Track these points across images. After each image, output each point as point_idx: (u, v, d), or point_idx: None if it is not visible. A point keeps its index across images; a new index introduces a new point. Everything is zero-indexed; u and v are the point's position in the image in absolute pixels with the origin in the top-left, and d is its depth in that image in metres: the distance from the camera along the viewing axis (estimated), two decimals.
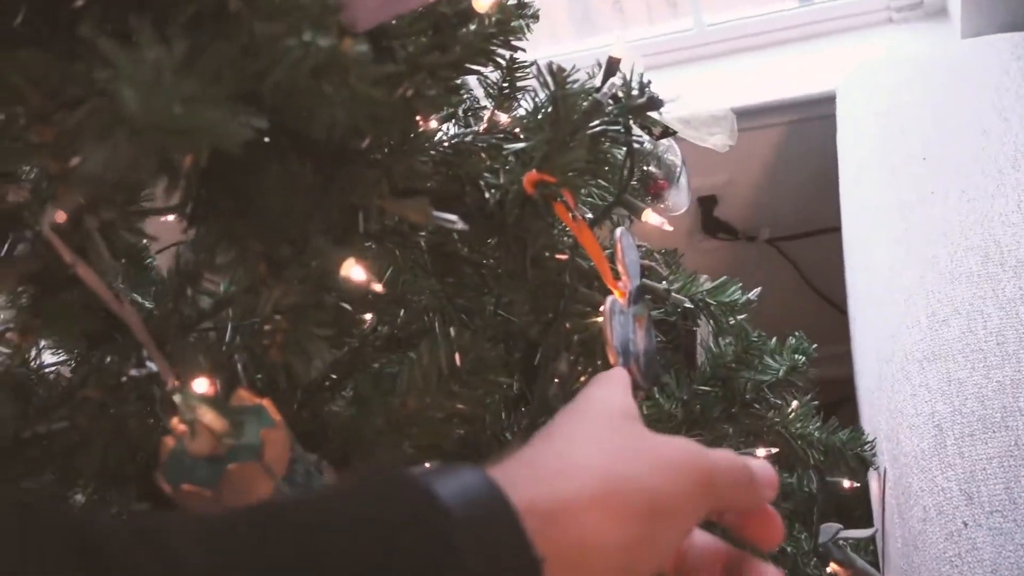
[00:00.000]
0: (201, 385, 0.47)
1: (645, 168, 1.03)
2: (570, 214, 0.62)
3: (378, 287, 0.47)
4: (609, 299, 0.64)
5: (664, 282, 0.85)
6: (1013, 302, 0.89)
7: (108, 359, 0.51)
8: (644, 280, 0.73)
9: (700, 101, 1.14)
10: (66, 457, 0.44)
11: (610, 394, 0.42)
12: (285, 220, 0.47)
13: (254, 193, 0.46)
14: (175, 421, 0.46)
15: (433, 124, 0.71)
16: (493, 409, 0.71)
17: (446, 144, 0.66)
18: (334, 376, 0.66)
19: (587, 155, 0.62)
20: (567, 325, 0.66)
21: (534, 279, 0.66)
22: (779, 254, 1.73)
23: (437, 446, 0.59)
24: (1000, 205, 1.02)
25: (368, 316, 0.63)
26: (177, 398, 0.46)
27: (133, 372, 0.50)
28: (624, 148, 0.69)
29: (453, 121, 0.86)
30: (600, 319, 0.63)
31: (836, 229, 1.36)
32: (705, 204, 1.69)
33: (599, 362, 0.65)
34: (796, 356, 0.83)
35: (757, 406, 0.80)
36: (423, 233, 0.69)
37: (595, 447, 0.36)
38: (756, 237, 1.71)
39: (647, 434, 0.38)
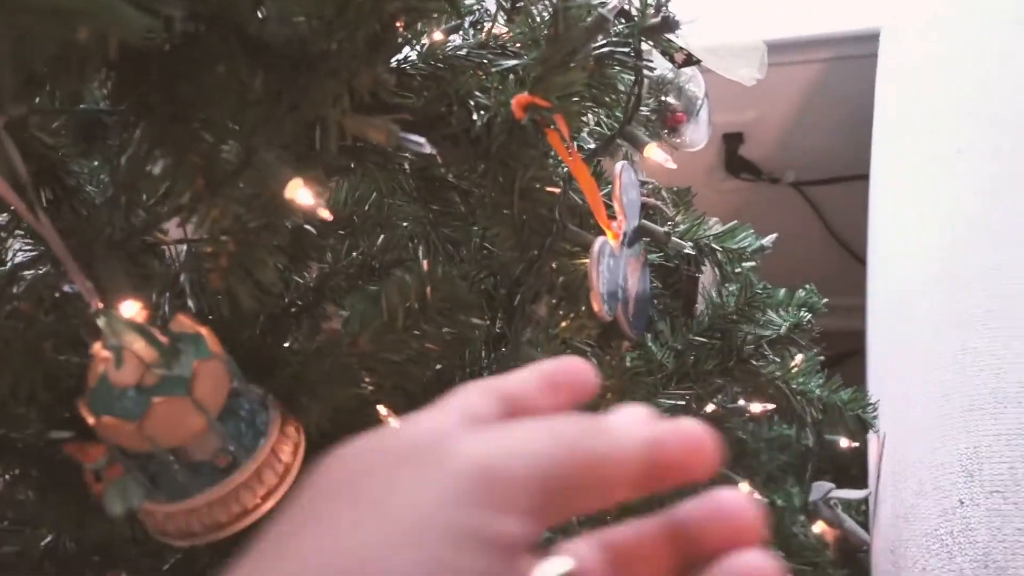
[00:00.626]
0: (130, 308, 0.42)
1: (664, 98, 0.96)
2: (564, 144, 0.56)
3: (326, 213, 0.42)
4: (599, 240, 0.58)
5: (671, 223, 0.79)
6: None
7: (44, 269, 0.47)
8: (643, 221, 0.68)
9: (730, 30, 1.06)
10: None
11: (422, 424, 0.25)
12: (229, 130, 0.41)
13: (195, 97, 0.41)
14: (98, 347, 0.42)
15: (438, 36, 0.65)
16: (474, 347, 0.67)
17: (437, 58, 0.60)
18: (300, 303, 0.62)
19: (587, 79, 0.56)
20: (552, 265, 0.61)
21: (521, 212, 0.60)
22: (802, 198, 1.65)
23: (401, 387, 0.55)
24: None
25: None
26: (101, 321, 0.41)
27: (67, 288, 0.46)
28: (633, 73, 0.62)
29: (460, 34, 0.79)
30: (581, 271, 0.58)
31: (865, 177, 1.29)
32: (730, 142, 1.61)
33: (583, 307, 0.60)
34: (802, 312, 0.77)
35: (755, 362, 0.75)
36: (407, 154, 0.64)
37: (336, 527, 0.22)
38: (780, 179, 1.63)
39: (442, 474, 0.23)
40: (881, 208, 1.16)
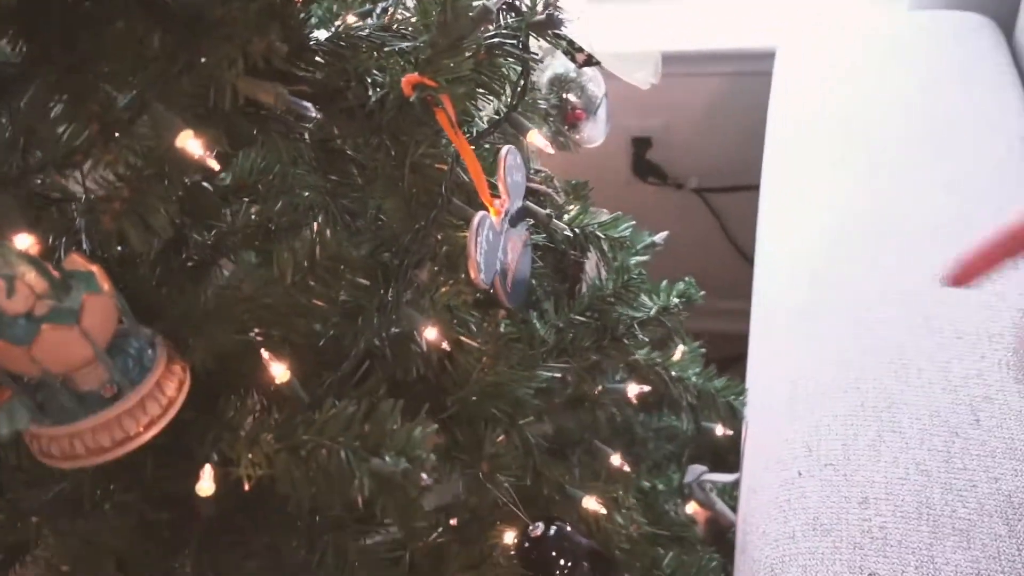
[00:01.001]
0: (24, 241, 0.45)
1: (565, 96, 1.02)
2: (451, 124, 0.61)
3: (214, 164, 0.46)
4: (479, 214, 0.64)
5: (560, 210, 0.85)
6: (889, 273, 0.92)
7: None
8: (527, 203, 0.73)
9: (635, 38, 1.13)
10: None
11: None
12: (126, 83, 0.45)
13: (94, 50, 0.44)
14: None
15: (352, 19, 0.69)
16: (367, 314, 0.71)
17: (339, 36, 0.64)
18: (196, 258, 0.65)
19: (475, 65, 0.61)
20: (437, 236, 0.66)
21: (411, 185, 0.65)
22: (704, 204, 1.75)
23: (288, 339, 0.59)
24: (900, 179, 1.04)
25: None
26: None
27: None
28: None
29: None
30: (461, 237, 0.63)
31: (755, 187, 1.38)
32: (639, 146, 1.69)
33: (462, 275, 0.65)
34: (672, 298, 0.84)
35: (627, 341, 0.81)
36: (308, 125, 0.68)
37: None
38: (684, 185, 1.72)
39: None
40: (767, 217, 1.25)
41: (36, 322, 0.46)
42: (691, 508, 1.18)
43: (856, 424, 0.77)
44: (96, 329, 0.47)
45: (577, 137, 1.04)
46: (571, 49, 0.92)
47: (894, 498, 0.72)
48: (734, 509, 1.18)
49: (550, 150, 0.69)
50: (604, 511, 0.79)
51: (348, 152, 0.70)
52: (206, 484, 0.51)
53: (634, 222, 0.89)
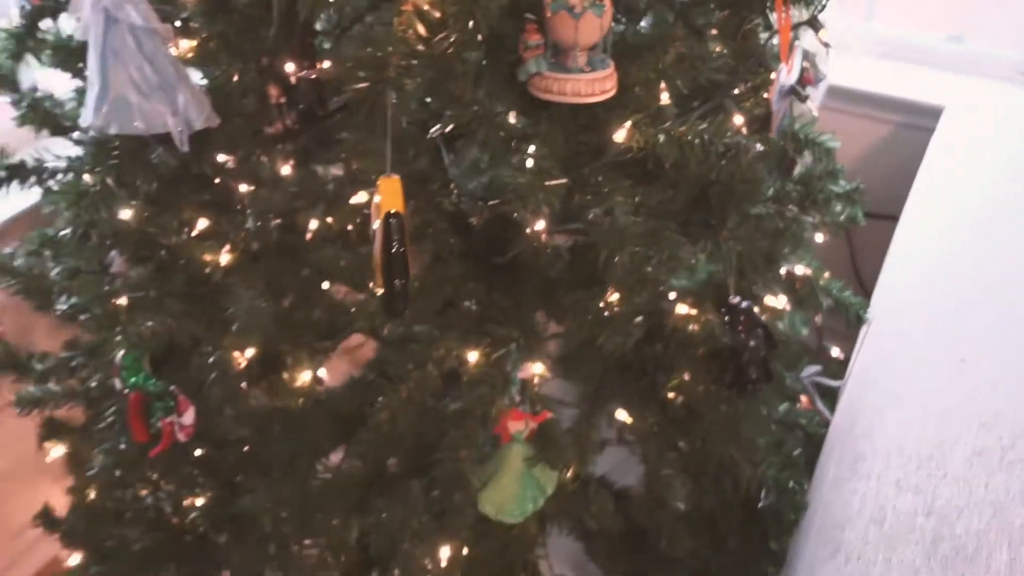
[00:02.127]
0: None
1: (805, 62, 1.41)
2: (783, 6, 1.01)
3: None
4: (782, 66, 1.03)
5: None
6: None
7: None
8: (794, 84, 1.12)
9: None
10: None
11: None
12: None
13: None
14: None
15: None
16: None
17: None
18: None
19: None
20: (747, 74, 1.05)
21: (738, 44, 1.05)
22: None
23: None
24: None
25: None
26: None
27: None
28: None
29: None
30: (769, 76, 1.03)
31: (894, 218, 1.69)
32: None
33: (762, 95, 1.04)
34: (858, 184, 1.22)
35: (823, 205, 1.18)
36: None
37: None
38: None
39: None
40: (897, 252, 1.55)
41: (582, 11, 0.86)
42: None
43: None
44: (604, 27, 0.88)
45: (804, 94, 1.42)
46: (822, 37, 1.30)
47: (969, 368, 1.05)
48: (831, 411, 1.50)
49: (822, 49, 1.08)
50: (780, 307, 1.16)
51: (698, 24, 1.10)
52: (622, 135, 0.90)
53: (839, 143, 1.27)
